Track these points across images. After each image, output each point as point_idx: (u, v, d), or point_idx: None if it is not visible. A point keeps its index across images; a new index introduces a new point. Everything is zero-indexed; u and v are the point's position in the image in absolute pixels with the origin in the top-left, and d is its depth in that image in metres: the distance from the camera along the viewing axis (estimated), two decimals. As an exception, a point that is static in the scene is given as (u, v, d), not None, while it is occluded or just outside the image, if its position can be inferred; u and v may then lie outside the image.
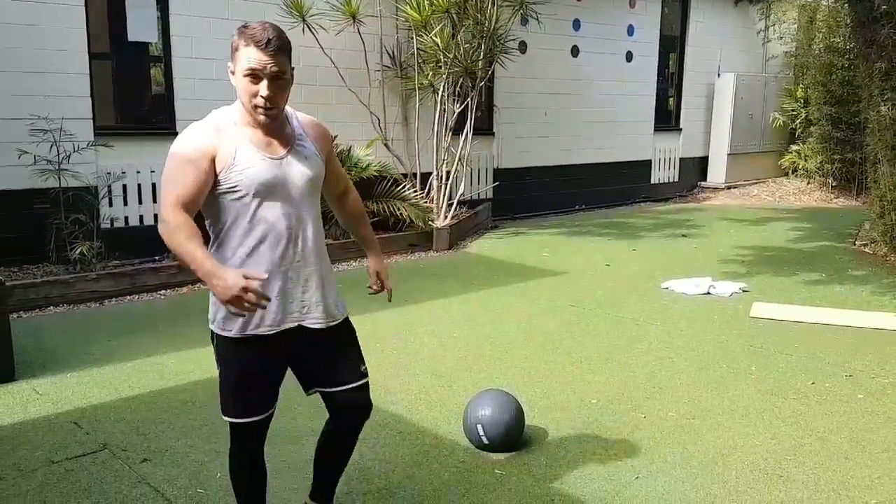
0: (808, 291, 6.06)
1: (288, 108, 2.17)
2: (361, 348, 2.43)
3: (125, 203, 6.77)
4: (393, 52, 8.39)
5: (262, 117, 2.05)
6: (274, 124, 2.10)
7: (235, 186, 2.05)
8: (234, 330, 2.14)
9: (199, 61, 7.07)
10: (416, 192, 7.92)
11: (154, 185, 6.87)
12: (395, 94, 8.57)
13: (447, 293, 5.94)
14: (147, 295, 5.85)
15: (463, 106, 8.12)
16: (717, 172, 12.70)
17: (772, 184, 12.99)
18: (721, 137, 12.57)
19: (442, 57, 7.79)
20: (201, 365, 4.22)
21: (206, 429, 3.43)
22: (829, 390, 3.92)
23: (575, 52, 10.47)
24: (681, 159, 12.42)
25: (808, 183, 12.69)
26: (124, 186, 6.72)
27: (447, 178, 8.21)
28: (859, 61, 8.57)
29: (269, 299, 1.94)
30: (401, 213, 7.53)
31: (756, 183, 12.93)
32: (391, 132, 8.47)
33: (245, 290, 1.84)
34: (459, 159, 8.22)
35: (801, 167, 12.87)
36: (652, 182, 11.99)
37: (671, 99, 12.46)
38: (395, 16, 8.18)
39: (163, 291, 5.93)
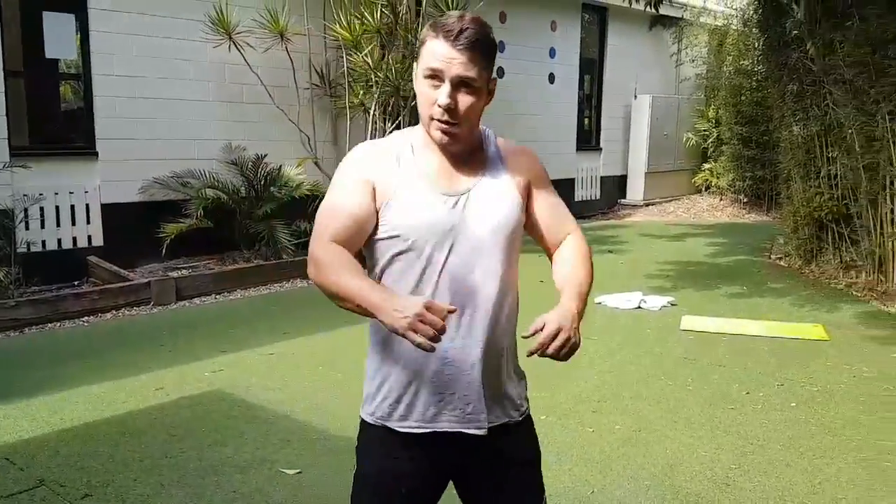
0: (731, 304, 6.31)
1: (487, 131, 1.66)
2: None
3: (42, 226, 6.44)
4: (322, 71, 8.33)
5: (437, 133, 1.52)
6: (459, 149, 1.57)
7: (394, 231, 1.53)
8: (372, 412, 1.63)
9: (121, 79, 6.83)
10: (347, 211, 7.84)
11: (73, 207, 6.58)
12: (325, 113, 8.51)
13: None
14: (69, 322, 5.57)
15: (395, 125, 8.12)
16: (635, 190, 13.13)
17: (686, 201, 13.52)
18: (639, 156, 13.02)
19: (373, 76, 7.78)
20: (133, 394, 4.06)
21: (147, 461, 3.27)
22: (764, 399, 4.09)
23: (500, 73, 10.64)
24: (602, 178, 12.77)
25: (721, 199, 13.27)
26: (42, 209, 6.39)
27: (379, 198, 8.16)
28: (770, 83, 9.06)
29: (438, 337, 1.34)
30: (333, 233, 7.43)
31: (672, 200, 13.42)
32: (321, 151, 8.39)
33: (421, 316, 1.33)
34: (391, 178, 8.21)
35: (713, 184, 13.45)
36: (576, 200, 12.27)
37: (591, 119, 12.83)
38: (324, 34, 8.13)
39: (86, 318, 5.65)
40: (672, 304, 6.19)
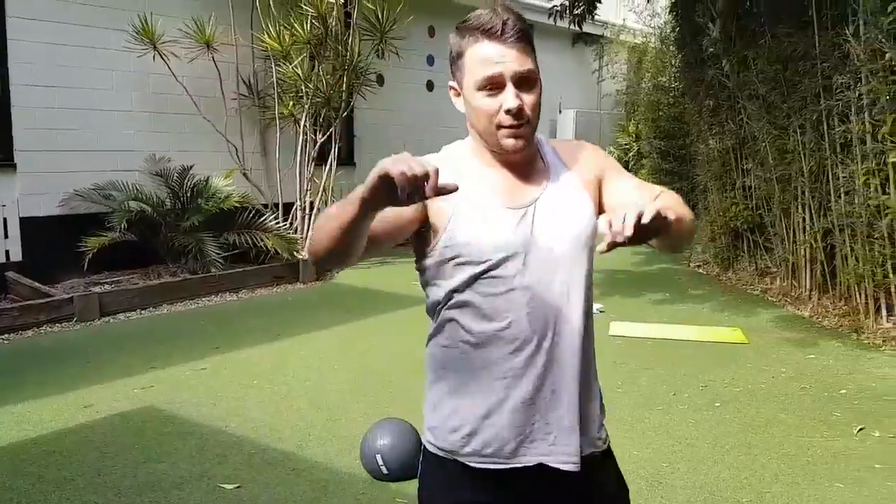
0: (655, 310, 6.53)
1: (537, 136, 1.47)
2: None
3: (-45, 240, 6.14)
4: (249, 81, 8.24)
5: (509, 141, 1.36)
6: (522, 156, 1.41)
7: (457, 250, 1.36)
8: (440, 446, 1.43)
9: (41, 89, 6.60)
10: (278, 222, 7.77)
11: (-11, 220, 6.31)
12: (253, 124, 8.41)
13: (322, 325, 5.85)
14: (-15, 340, 5.32)
15: (326, 136, 8.09)
16: (563, 201, 13.45)
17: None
18: (565, 169, 13.33)
19: (303, 87, 7.74)
20: (61, 413, 3.91)
21: (79, 479, 3.16)
22: (689, 400, 4.26)
23: (430, 86, 10.76)
24: (529, 189, 13.03)
25: (643, 211, 13.70)
26: (-45, 222, 6.11)
27: (311, 209, 8.12)
28: (688, 99, 9.45)
29: (428, 176, 1.07)
30: (264, 245, 7.34)
31: (597, 211, 13.78)
32: (249, 162, 8.28)
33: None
34: (324, 189, 8.17)
35: (636, 196, 13.89)
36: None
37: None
38: (252, 45, 8.04)
39: (6, 336, 5.40)
40: (601, 311, 6.36)
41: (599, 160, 1.51)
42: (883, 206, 5.22)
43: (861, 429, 3.77)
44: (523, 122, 1.35)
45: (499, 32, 1.31)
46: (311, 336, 5.56)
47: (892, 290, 5.37)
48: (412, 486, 3.08)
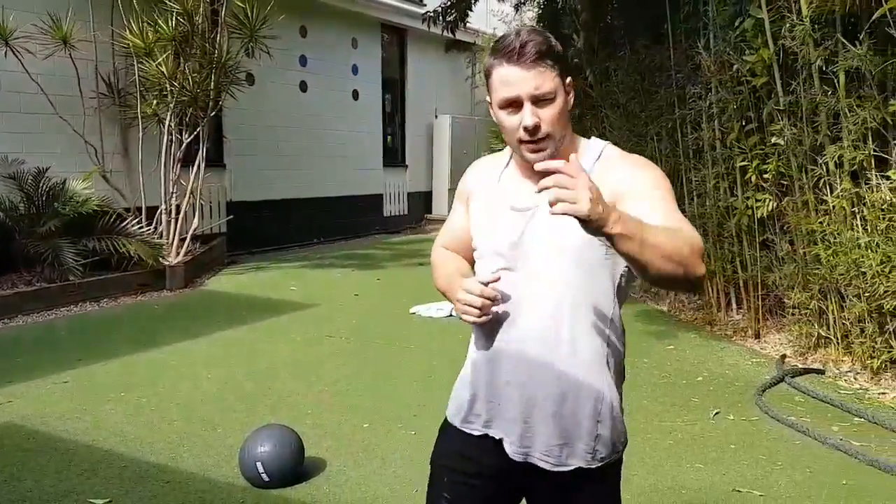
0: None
1: (598, 144, 1.56)
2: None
3: None
4: (109, 79, 7.82)
5: (530, 155, 1.46)
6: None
7: (474, 245, 1.61)
8: (447, 411, 1.68)
9: None
10: (142, 227, 7.40)
11: None
12: (114, 124, 7.99)
13: (192, 334, 5.63)
14: None
15: (192, 137, 7.80)
16: (440, 206, 13.63)
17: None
18: (442, 173, 13.54)
19: (168, 86, 7.43)
20: None
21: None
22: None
23: (304, 87, 10.61)
24: (408, 193, 13.13)
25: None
26: None
27: (177, 212, 7.79)
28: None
29: (493, 301, 1.47)
30: (127, 251, 6.97)
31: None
32: (110, 163, 7.86)
33: (461, 300, 1.50)
34: (192, 192, 7.87)
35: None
36: (385, 215, 12.50)
37: (396, 137, 13.16)
38: (113, 41, 7.64)
39: None
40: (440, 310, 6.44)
41: (626, 180, 1.45)
42: (731, 207, 5.66)
43: (717, 412, 4.07)
44: (542, 137, 1.45)
45: (516, 56, 1.41)
46: (182, 346, 5.35)
47: (741, 284, 5.83)
48: (295, 493, 3.05)
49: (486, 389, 1.56)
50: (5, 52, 6.72)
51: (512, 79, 1.42)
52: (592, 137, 1.57)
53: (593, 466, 1.50)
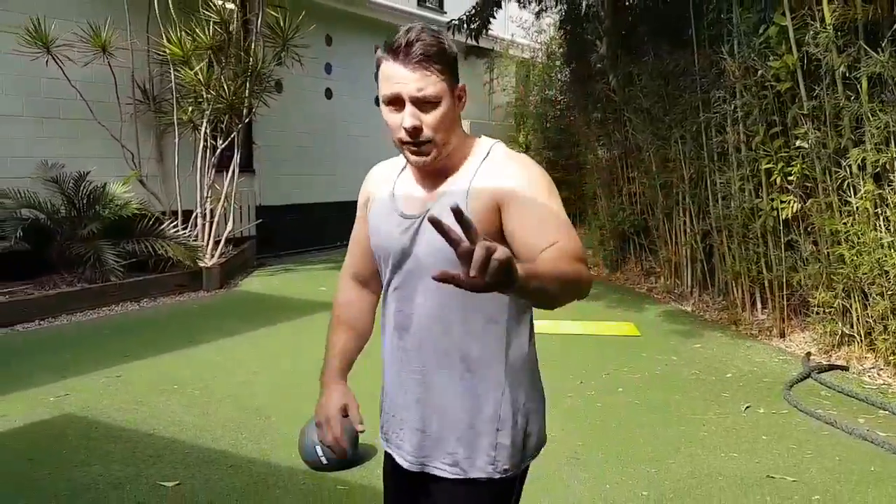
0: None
1: (488, 143, 1.49)
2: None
3: None
4: (144, 86, 8.06)
5: (412, 157, 1.42)
6: (440, 165, 1.45)
7: (373, 250, 1.58)
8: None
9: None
10: (179, 230, 7.63)
11: None
12: (149, 129, 8.23)
13: (233, 331, 5.83)
14: None
15: (227, 142, 8.03)
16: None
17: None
18: (460, 177, 13.68)
19: (204, 93, 7.67)
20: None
21: (10, 485, 3.09)
22: (596, 387, 4.60)
23: (329, 94, 10.84)
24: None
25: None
26: None
27: (212, 216, 8.02)
28: (576, 112, 10.01)
29: (342, 449, 1.58)
30: (165, 253, 7.20)
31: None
32: (145, 168, 8.09)
33: (328, 421, 1.55)
34: (226, 196, 8.10)
35: (526, 204, 14.45)
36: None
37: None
38: (149, 49, 7.88)
39: None
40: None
41: (508, 184, 1.39)
42: (756, 209, 5.80)
43: (748, 406, 4.23)
44: (424, 141, 1.38)
45: (403, 53, 1.35)
46: (224, 342, 5.55)
47: (766, 285, 5.97)
48: (352, 475, 3.23)
49: (389, 402, 1.58)
50: (47, 61, 6.96)
51: (395, 76, 1.36)
52: (482, 136, 1.51)
53: (495, 477, 1.45)
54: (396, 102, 1.38)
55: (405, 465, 1.52)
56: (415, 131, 1.37)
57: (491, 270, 0.97)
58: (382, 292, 1.57)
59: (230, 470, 3.32)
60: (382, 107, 1.41)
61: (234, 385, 4.54)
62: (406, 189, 1.51)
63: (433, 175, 1.47)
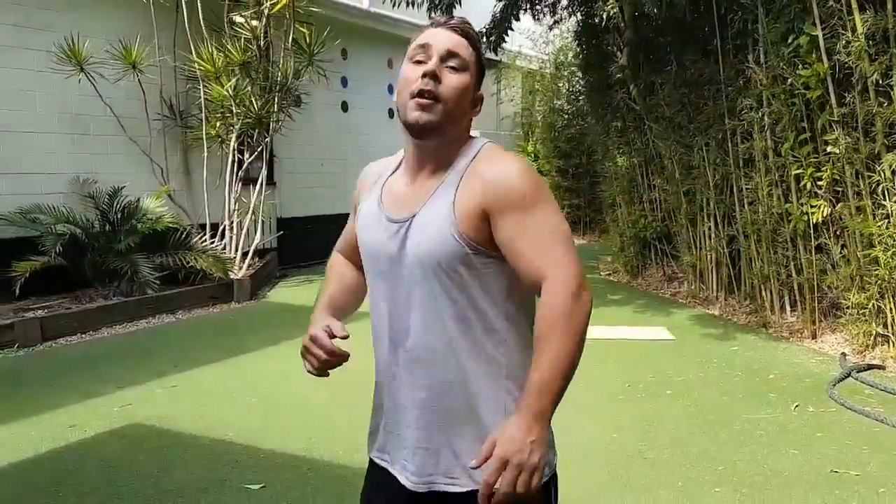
0: (584, 315, 7.01)
1: (479, 143, 1.45)
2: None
3: None
4: (171, 102, 8.16)
5: (414, 113, 1.37)
6: (427, 157, 1.44)
7: (360, 247, 1.56)
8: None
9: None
10: (209, 243, 7.72)
11: None
12: (176, 144, 8.32)
13: (274, 340, 5.90)
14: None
15: (255, 156, 8.14)
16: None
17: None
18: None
19: (234, 108, 7.77)
20: (47, 434, 3.87)
21: (99, 492, 3.18)
22: (644, 389, 4.70)
23: (345, 107, 10.96)
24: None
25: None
26: None
27: (240, 228, 8.11)
28: (594, 120, 10.15)
29: (323, 370, 1.51)
30: (197, 265, 7.28)
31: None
32: (173, 182, 8.18)
33: (306, 348, 1.50)
34: (253, 210, 8.20)
35: (536, 213, 14.60)
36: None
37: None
38: (177, 65, 7.99)
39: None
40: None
41: (496, 190, 1.35)
42: (786, 213, 5.93)
43: (797, 405, 4.33)
44: (434, 99, 1.37)
45: (442, 21, 1.43)
46: (267, 351, 5.63)
47: (795, 287, 6.09)
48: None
49: (387, 419, 1.51)
50: (80, 79, 7.05)
51: (431, 34, 1.41)
52: (477, 135, 1.49)
53: (465, 491, 1.41)
54: (424, 53, 1.40)
55: (409, 485, 1.45)
56: (433, 76, 1.37)
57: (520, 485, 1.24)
58: (371, 303, 1.52)
59: (309, 473, 3.41)
60: (404, 64, 1.42)
61: (289, 392, 4.62)
62: (395, 189, 1.49)
63: (425, 172, 1.45)
